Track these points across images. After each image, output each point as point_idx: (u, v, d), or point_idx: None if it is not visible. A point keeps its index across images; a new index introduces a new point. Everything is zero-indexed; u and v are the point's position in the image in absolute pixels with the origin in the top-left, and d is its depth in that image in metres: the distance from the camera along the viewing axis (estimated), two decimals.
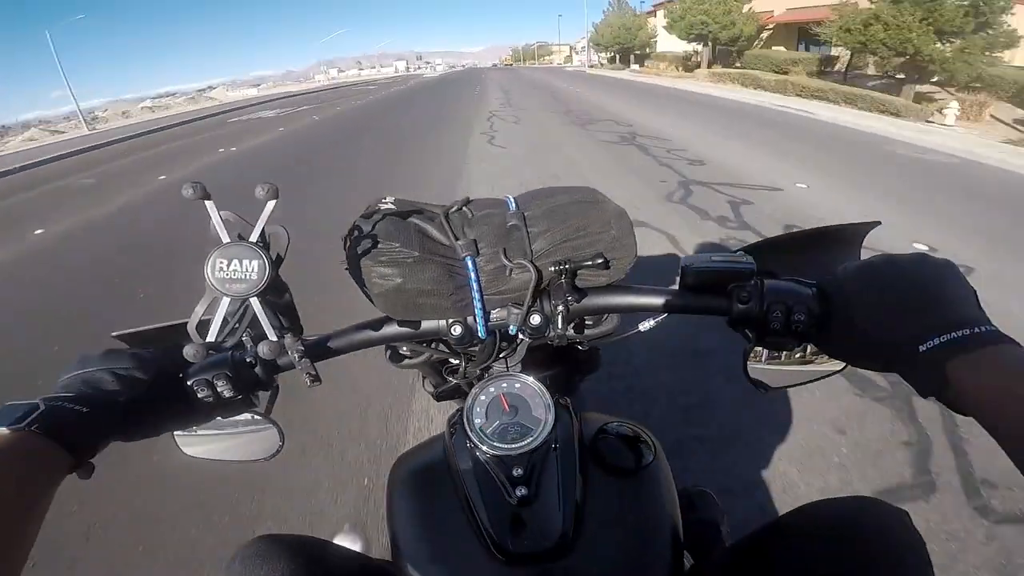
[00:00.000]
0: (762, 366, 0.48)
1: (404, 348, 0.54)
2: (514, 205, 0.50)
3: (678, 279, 0.47)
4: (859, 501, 0.43)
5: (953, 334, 0.31)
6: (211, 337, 0.40)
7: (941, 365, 0.30)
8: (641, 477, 0.47)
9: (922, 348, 0.32)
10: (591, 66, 35.21)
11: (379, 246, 0.45)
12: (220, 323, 0.40)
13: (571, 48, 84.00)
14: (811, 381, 0.49)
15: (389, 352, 0.55)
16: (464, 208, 0.50)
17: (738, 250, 0.47)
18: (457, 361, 0.54)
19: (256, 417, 0.49)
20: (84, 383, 0.38)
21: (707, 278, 0.45)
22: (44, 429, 0.33)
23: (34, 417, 0.33)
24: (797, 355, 0.47)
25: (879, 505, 0.42)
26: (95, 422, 0.36)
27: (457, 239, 0.47)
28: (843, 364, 0.43)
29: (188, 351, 0.39)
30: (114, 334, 0.50)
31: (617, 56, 31.21)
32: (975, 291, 0.35)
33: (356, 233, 0.47)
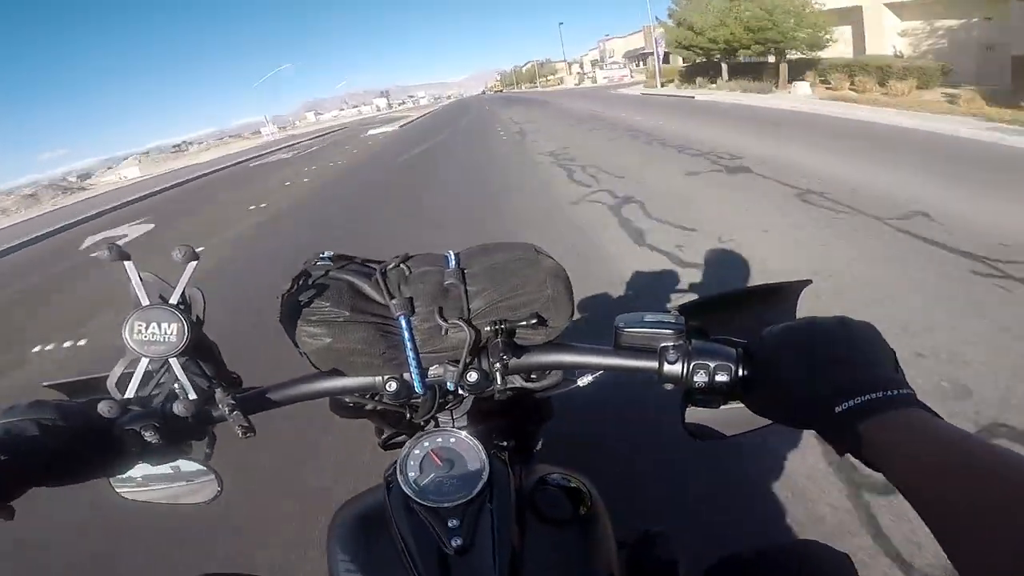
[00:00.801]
0: (699, 414, 0.51)
1: (347, 399, 0.56)
2: (454, 262, 0.52)
3: (613, 338, 0.49)
4: (806, 546, 0.46)
5: (868, 396, 0.34)
6: (129, 394, 0.43)
7: (855, 425, 0.33)
8: (578, 527, 0.49)
9: (838, 409, 0.34)
10: (660, 84, 21.35)
11: (312, 306, 0.48)
12: (139, 381, 0.44)
13: (579, 65, 72.39)
14: (743, 433, 0.51)
15: (331, 403, 0.57)
16: (403, 264, 0.52)
17: (672, 309, 0.50)
18: (401, 413, 0.56)
19: (194, 464, 0.51)
20: (6, 432, 0.41)
21: (638, 338, 0.47)
22: None
23: None
24: (729, 407, 0.48)
25: (825, 549, 0.45)
26: (16, 470, 0.39)
27: (392, 297, 0.49)
28: (770, 421, 0.46)
29: (103, 407, 0.41)
30: (45, 384, 0.53)
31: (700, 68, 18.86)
32: (894, 352, 0.38)
33: (291, 290, 0.50)
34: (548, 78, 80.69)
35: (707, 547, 0.61)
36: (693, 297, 0.56)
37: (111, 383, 0.44)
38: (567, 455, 0.56)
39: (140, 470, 0.51)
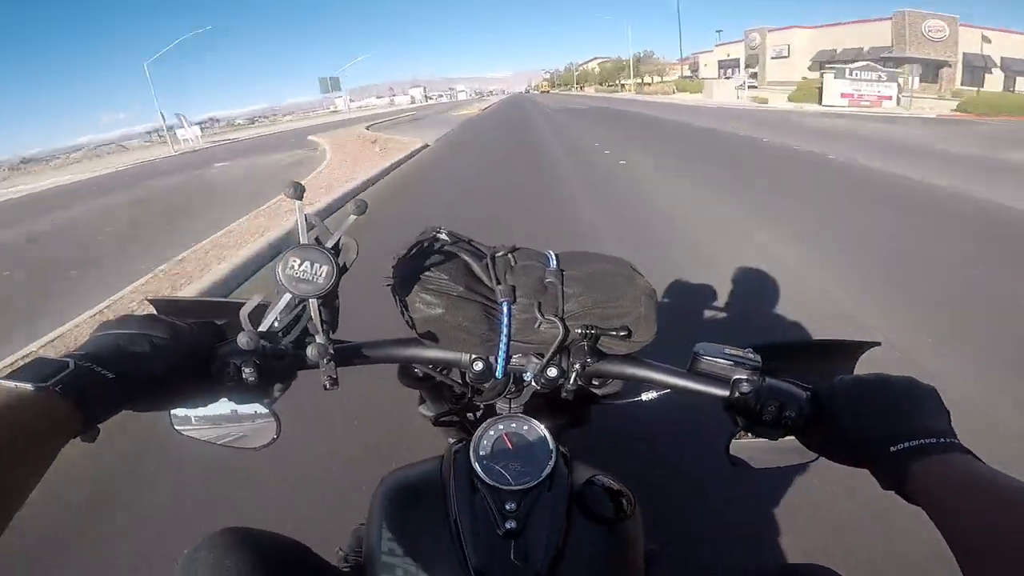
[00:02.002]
0: (744, 444, 0.57)
1: (417, 369, 0.62)
2: (555, 262, 0.58)
3: (689, 362, 0.56)
4: (820, 571, 0.52)
5: (922, 441, 0.40)
6: (264, 327, 0.46)
7: (905, 464, 0.39)
8: (618, 528, 0.54)
9: (892, 448, 0.41)
10: None
11: (428, 274, 0.54)
12: (277, 316, 0.46)
13: (723, 68, 42.64)
14: (787, 466, 0.57)
15: (400, 369, 0.64)
16: (509, 255, 0.58)
17: (748, 347, 0.56)
18: (461, 391, 0.62)
19: (259, 407, 0.55)
20: (119, 347, 0.42)
21: (716, 367, 0.54)
22: (66, 391, 0.36)
23: (60, 377, 0.36)
24: (778, 441, 0.53)
25: None
26: (118, 390, 0.39)
27: (498, 283, 0.55)
28: (816, 455, 0.52)
29: (242, 339, 0.44)
30: (150, 298, 0.58)
31: None
32: (949, 413, 0.44)
33: (407, 256, 0.55)
34: (647, 80, 53.32)
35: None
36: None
37: (244, 313, 0.46)
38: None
39: (204, 407, 0.53)
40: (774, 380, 0.51)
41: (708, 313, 2.72)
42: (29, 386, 0.35)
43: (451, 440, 0.65)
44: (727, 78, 36.64)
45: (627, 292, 0.56)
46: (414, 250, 0.56)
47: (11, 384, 0.35)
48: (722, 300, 2.83)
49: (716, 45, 45.70)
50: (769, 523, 1.45)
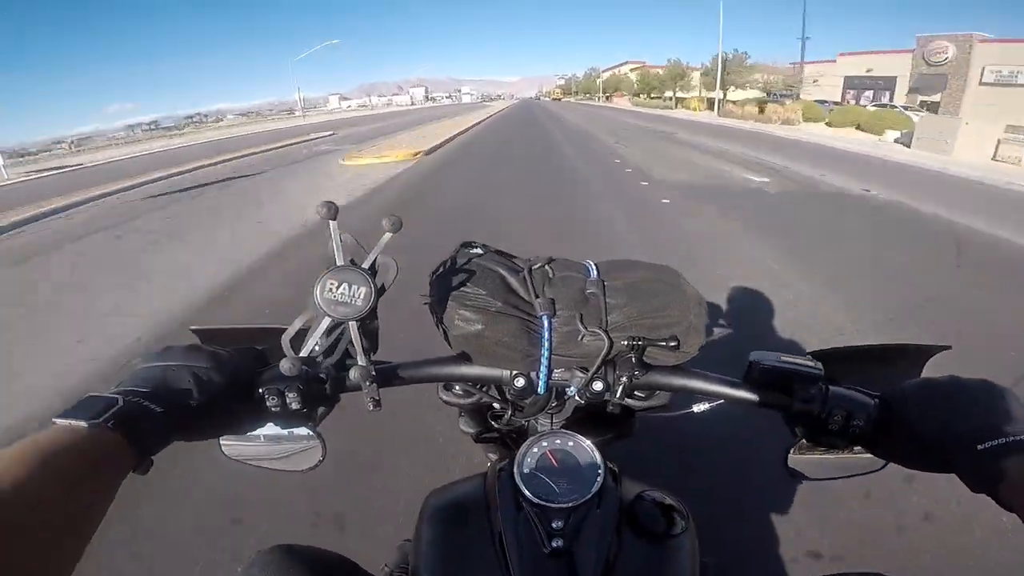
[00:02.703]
0: (804, 456, 0.57)
1: (458, 387, 0.64)
2: (595, 272, 0.59)
3: (744, 371, 0.56)
4: None
5: (1010, 439, 0.38)
6: (305, 352, 0.47)
7: (997, 462, 0.38)
8: (671, 545, 0.53)
9: (980, 447, 0.39)
10: None
11: (465, 290, 0.55)
12: (317, 341, 0.47)
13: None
14: (850, 476, 0.57)
15: (442, 386, 0.65)
16: (547, 266, 0.59)
17: (807, 353, 0.55)
18: (501, 408, 0.64)
19: (304, 430, 0.55)
20: (163, 380, 0.44)
21: (774, 376, 0.54)
22: (120, 427, 0.38)
23: (112, 413, 0.38)
24: (839, 450, 0.54)
25: None
26: (166, 423, 0.42)
27: (537, 296, 0.56)
28: (883, 463, 0.52)
29: (284, 365, 0.45)
30: (193, 328, 0.56)
31: None
32: None
33: (443, 272, 0.57)
34: (735, 94, 35.32)
35: None
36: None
37: (286, 339, 0.48)
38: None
39: (251, 432, 0.54)
40: (839, 388, 0.51)
41: None
42: (84, 424, 0.37)
43: (492, 457, 0.72)
44: (871, 103, 23.53)
45: (675, 301, 0.57)
46: (449, 265, 0.58)
47: (66, 422, 0.37)
48: None
49: (841, 55, 30.80)
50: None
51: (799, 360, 0.54)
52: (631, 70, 69.92)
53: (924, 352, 0.55)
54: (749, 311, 3.13)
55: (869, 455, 0.52)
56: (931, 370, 0.52)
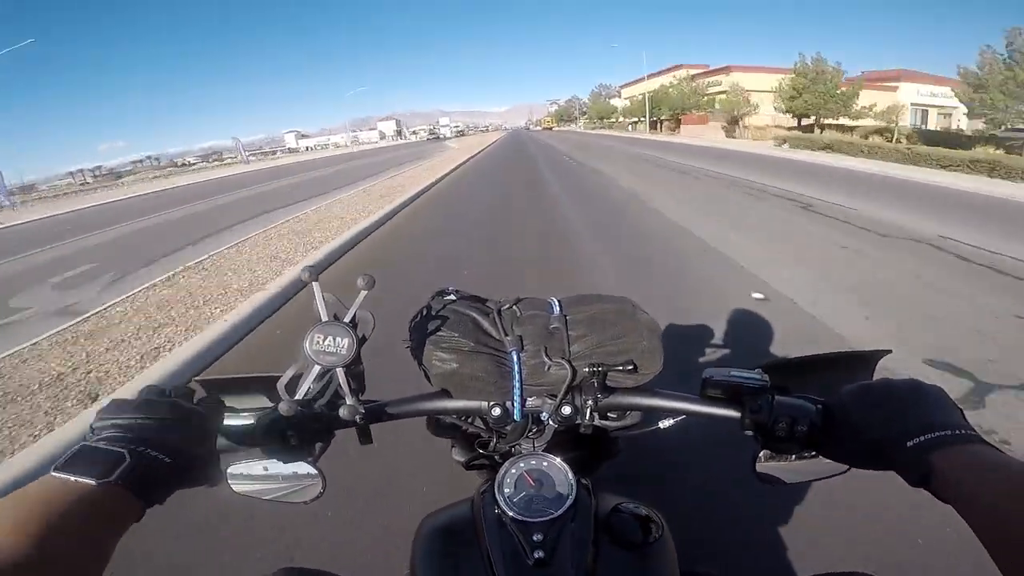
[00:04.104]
0: (771, 463, 0.65)
1: (444, 420, 0.76)
2: (558, 308, 0.72)
3: (700, 387, 0.65)
4: None
5: (936, 433, 0.45)
6: (299, 395, 0.58)
7: (927, 456, 0.44)
8: (647, 553, 0.60)
9: (909, 443, 0.46)
10: None
11: (440, 334, 0.68)
12: (309, 385, 0.58)
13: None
14: (816, 479, 0.64)
15: (429, 422, 0.78)
16: (515, 307, 0.73)
17: (756, 368, 0.64)
18: (487, 436, 0.75)
19: (305, 465, 0.64)
20: (167, 429, 0.49)
21: (725, 390, 0.63)
22: (128, 483, 0.42)
23: (122, 470, 0.42)
24: (802, 456, 0.61)
25: None
26: (173, 473, 0.47)
27: (506, 334, 0.69)
28: (846, 467, 0.58)
29: (283, 407, 0.55)
30: (197, 379, 0.67)
31: None
32: (961, 410, 0.49)
33: (420, 318, 0.70)
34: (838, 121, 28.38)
35: None
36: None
37: (281, 384, 0.58)
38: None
39: (257, 466, 0.65)
40: (783, 397, 0.59)
41: None
42: (92, 482, 0.40)
43: (480, 482, 0.76)
44: None
45: (630, 329, 0.69)
46: (425, 312, 0.71)
47: (71, 478, 0.40)
48: None
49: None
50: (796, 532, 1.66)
51: (747, 374, 0.63)
52: (693, 78, 45.52)
53: (869, 358, 0.65)
54: None
55: (826, 460, 0.58)
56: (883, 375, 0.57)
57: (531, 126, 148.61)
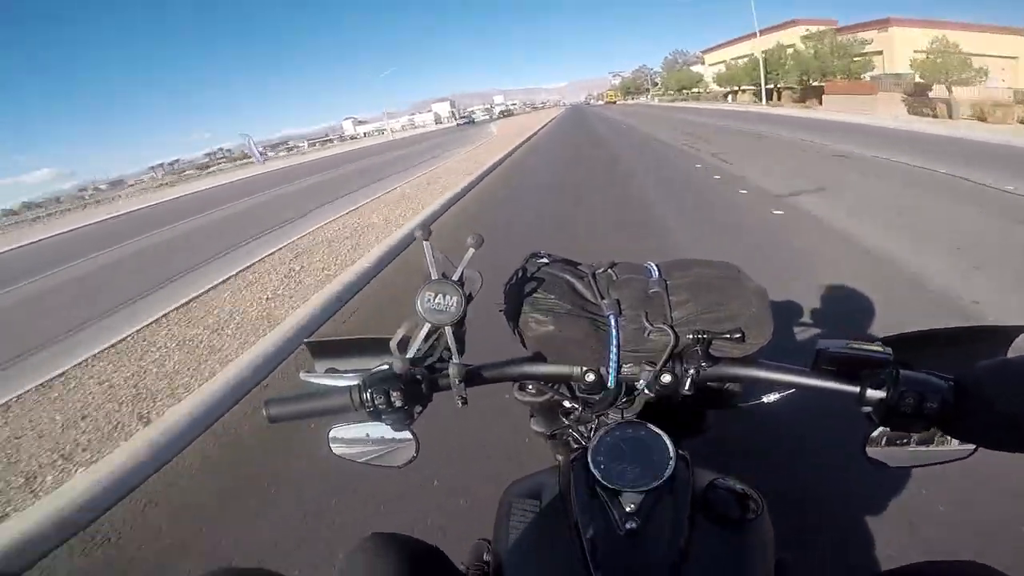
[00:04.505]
0: (883, 448, 0.64)
1: (532, 387, 0.76)
2: (656, 272, 0.70)
3: (813, 359, 0.63)
4: (971, 567, 0.56)
5: None
6: (410, 354, 0.61)
7: None
8: (744, 530, 0.60)
9: None
10: None
11: (536, 296, 0.68)
12: (420, 344, 0.61)
13: None
14: (935, 464, 0.63)
15: (517, 386, 0.77)
16: (610, 270, 0.72)
17: (876, 340, 0.62)
18: (571, 405, 0.75)
19: (400, 430, 0.68)
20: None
21: (842, 363, 0.61)
22: None
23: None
24: (921, 439, 0.61)
25: (991, 572, 0.55)
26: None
27: (603, 298, 0.68)
28: (972, 448, 0.57)
29: (397, 364, 0.60)
30: (306, 340, 0.76)
31: None
32: None
33: (516, 280, 0.71)
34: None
35: None
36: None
37: (393, 343, 0.62)
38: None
39: (357, 429, 0.71)
40: (909, 372, 0.55)
41: None
42: None
43: (559, 457, 0.80)
44: None
45: (736, 295, 0.66)
46: (520, 275, 0.71)
47: None
48: None
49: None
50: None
51: (868, 346, 0.61)
52: (838, 31, 32.15)
53: (1005, 334, 0.61)
54: None
55: (953, 442, 0.58)
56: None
57: (591, 101, 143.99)
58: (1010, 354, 0.58)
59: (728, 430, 1.43)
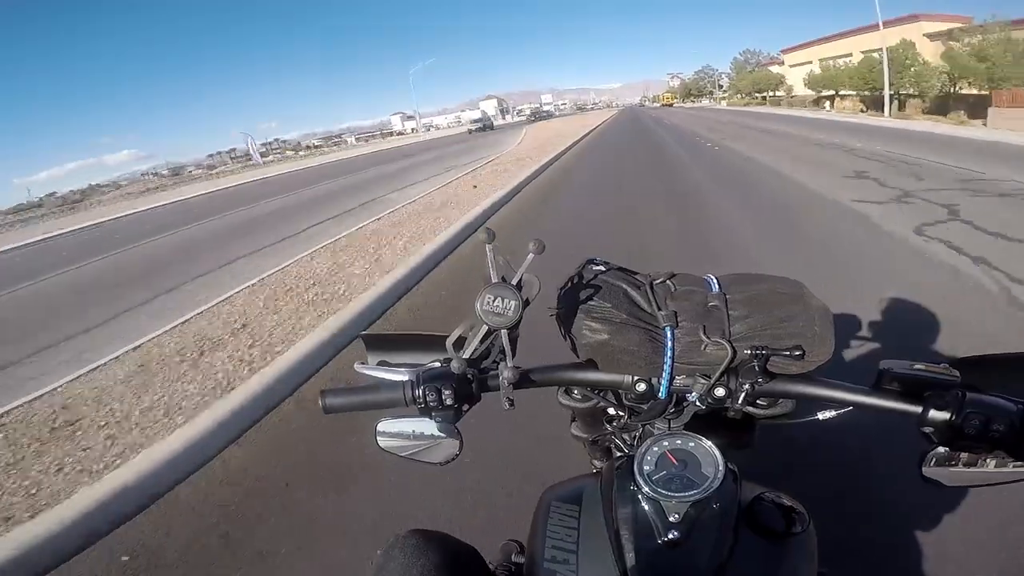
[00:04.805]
0: (940, 468, 0.63)
1: (578, 392, 0.77)
2: (716, 286, 0.70)
3: (875, 379, 0.64)
4: None
5: None
6: (466, 354, 0.63)
7: None
8: (788, 545, 0.60)
9: None
10: None
11: (591, 303, 0.68)
12: (476, 344, 0.62)
13: None
14: (994, 484, 0.62)
15: (562, 390, 0.79)
16: (668, 281, 0.72)
17: (942, 362, 0.62)
18: (615, 412, 0.77)
19: (447, 426, 0.70)
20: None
21: (906, 384, 0.61)
22: None
23: None
24: (980, 460, 0.60)
25: None
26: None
27: (660, 309, 0.67)
28: None
29: (455, 364, 0.62)
30: (363, 333, 0.85)
31: None
32: None
33: (571, 286, 0.71)
34: None
35: None
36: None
37: (450, 342, 0.64)
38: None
39: (404, 423, 0.72)
40: (976, 394, 0.56)
41: None
42: None
43: (597, 463, 0.88)
44: None
45: (798, 312, 0.65)
46: (575, 281, 0.71)
47: None
48: None
49: None
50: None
51: (934, 368, 0.61)
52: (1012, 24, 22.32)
53: None
54: None
55: (1014, 464, 0.58)
56: None
57: (645, 102, 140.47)
58: None
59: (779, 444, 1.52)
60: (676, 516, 0.58)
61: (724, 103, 62.09)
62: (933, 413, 0.56)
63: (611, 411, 0.77)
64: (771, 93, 49.84)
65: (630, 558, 0.57)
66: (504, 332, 0.60)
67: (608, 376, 0.70)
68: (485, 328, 0.60)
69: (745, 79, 57.10)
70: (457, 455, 0.72)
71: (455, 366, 0.61)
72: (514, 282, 0.60)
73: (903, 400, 0.60)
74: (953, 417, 0.54)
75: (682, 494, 0.59)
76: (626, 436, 0.78)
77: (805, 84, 41.05)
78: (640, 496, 0.61)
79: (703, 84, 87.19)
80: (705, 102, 75.78)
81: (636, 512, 0.61)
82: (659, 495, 0.60)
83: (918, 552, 1.57)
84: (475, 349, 0.62)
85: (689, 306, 0.67)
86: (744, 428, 0.77)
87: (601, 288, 0.69)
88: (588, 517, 0.65)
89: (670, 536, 0.57)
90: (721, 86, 75.66)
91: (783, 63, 52.60)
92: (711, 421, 0.71)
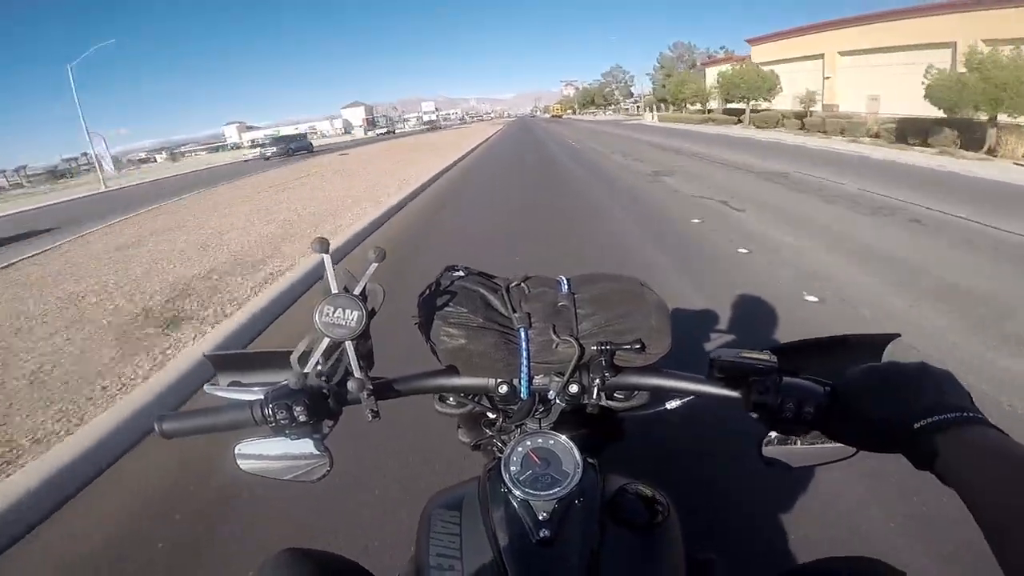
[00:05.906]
0: (777, 447, 0.74)
1: (452, 399, 0.87)
2: (566, 287, 0.82)
3: (707, 368, 0.76)
4: (866, 563, 0.65)
5: (943, 415, 0.50)
6: (308, 368, 0.68)
7: (932, 440, 0.49)
8: (653, 534, 0.69)
9: (916, 425, 0.51)
10: None
11: (448, 309, 0.78)
12: (318, 359, 0.67)
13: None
14: (822, 464, 0.74)
15: (438, 400, 0.88)
16: (523, 284, 0.82)
17: (764, 349, 0.72)
18: (494, 416, 0.87)
19: (312, 444, 0.74)
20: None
21: (732, 371, 0.71)
22: None
23: None
24: (809, 440, 0.71)
25: (883, 567, 0.63)
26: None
27: (514, 311, 0.78)
28: (854, 450, 0.67)
29: (291, 379, 0.66)
30: (206, 354, 0.83)
31: None
32: (969, 394, 0.56)
33: (429, 294, 0.80)
34: None
35: None
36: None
37: (294, 358, 0.68)
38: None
39: (264, 445, 0.74)
40: (791, 379, 0.66)
41: None
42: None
43: (486, 462, 0.92)
44: None
45: (637, 308, 0.77)
46: (434, 288, 0.80)
47: None
48: None
49: None
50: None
51: (755, 355, 0.69)
52: None
53: (879, 341, 0.73)
54: None
55: (825, 442, 0.68)
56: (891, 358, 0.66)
57: (536, 112, 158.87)
58: (884, 360, 0.71)
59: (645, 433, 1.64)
60: (544, 514, 0.67)
61: (652, 117, 47.81)
62: (755, 398, 0.66)
63: (490, 415, 0.87)
64: (760, 102, 31.98)
65: (509, 560, 0.65)
66: (349, 343, 0.65)
67: (471, 380, 0.80)
68: (326, 341, 0.65)
69: (677, 82, 44.87)
70: (328, 471, 0.77)
71: (292, 381, 0.66)
72: (356, 292, 0.65)
73: (730, 387, 0.71)
74: (771, 401, 0.64)
75: (547, 492, 0.68)
76: (505, 438, 0.86)
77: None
78: (511, 497, 0.70)
79: (609, 92, 76.69)
80: (600, 115, 65.18)
81: (508, 513, 0.69)
82: (527, 495, 0.69)
83: (769, 527, 1.89)
84: (318, 362, 0.67)
85: (541, 307, 0.78)
86: (611, 421, 0.89)
87: (458, 294, 0.78)
88: (469, 522, 0.72)
89: (542, 535, 0.65)
90: (632, 94, 65.63)
91: (748, 57, 40.40)
92: (579, 417, 0.82)
